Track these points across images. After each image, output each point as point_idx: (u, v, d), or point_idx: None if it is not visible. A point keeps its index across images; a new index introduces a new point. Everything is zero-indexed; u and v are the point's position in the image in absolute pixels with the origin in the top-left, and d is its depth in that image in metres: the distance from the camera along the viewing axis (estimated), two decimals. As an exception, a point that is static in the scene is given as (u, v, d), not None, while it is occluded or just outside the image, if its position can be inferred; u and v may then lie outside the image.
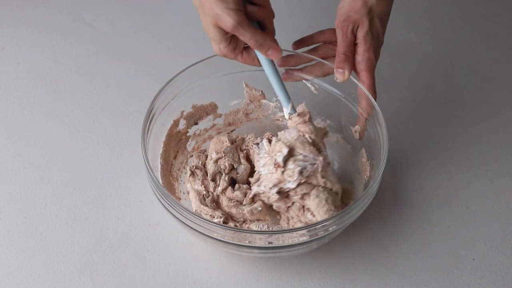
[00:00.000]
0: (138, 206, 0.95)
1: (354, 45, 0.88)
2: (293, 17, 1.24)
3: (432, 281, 0.88)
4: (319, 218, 0.84)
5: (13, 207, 0.95)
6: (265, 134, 0.91)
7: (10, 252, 0.90)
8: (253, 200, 0.88)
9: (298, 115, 0.88)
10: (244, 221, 0.89)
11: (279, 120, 1.00)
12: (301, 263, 0.89)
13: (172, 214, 0.83)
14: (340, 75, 0.88)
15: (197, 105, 0.97)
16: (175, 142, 0.96)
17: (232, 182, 0.92)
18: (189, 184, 0.93)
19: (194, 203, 0.91)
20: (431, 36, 1.22)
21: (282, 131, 0.89)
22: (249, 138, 0.95)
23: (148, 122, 0.88)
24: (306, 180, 0.84)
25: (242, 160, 0.92)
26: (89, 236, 0.92)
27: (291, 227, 0.87)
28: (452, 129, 1.06)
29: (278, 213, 0.89)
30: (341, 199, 0.92)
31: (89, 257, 0.89)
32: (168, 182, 0.93)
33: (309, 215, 0.85)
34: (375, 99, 0.89)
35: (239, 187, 0.90)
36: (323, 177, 0.84)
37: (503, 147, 1.03)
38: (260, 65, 0.86)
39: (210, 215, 0.88)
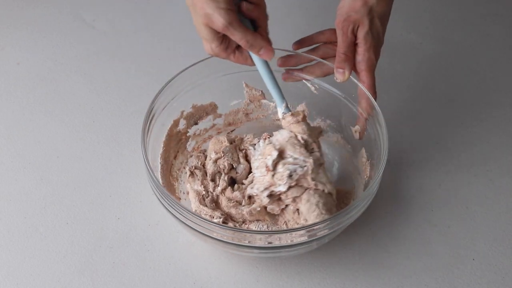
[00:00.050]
0: (138, 206, 0.95)
1: (354, 45, 0.88)
2: (291, 17, 1.24)
3: (432, 281, 0.88)
4: (311, 222, 0.84)
5: (13, 207, 0.95)
6: (263, 134, 0.91)
7: (10, 252, 0.90)
8: (251, 200, 0.88)
9: (292, 114, 0.87)
10: (243, 222, 0.89)
11: (279, 120, 1.00)
12: (301, 263, 0.89)
13: (172, 214, 0.83)
14: (340, 75, 0.88)
15: (197, 105, 0.97)
16: (175, 142, 0.96)
17: (232, 182, 0.92)
18: (189, 184, 0.93)
19: (193, 204, 0.91)
20: (431, 36, 1.22)
21: (276, 132, 0.88)
22: (248, 138, 0.95)
23: (148, 122, 0.88)
24: (297, 183, 0.84)
25: (242, 160, 0.92)
26: (89, 236, 0.92)
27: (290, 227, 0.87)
28: (452, 129, 1.06)
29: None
30: (341, 199, 0.92)
31: (89, 257, 0.89)
32: (168, 182, 0.93)
33: (302, 219, 0.85)
34: (375, 99, 0.89)
35: (239, 187, 0.90)
36: (313, 179, 0.84)
37: (503, 147, 1.03)
38: (253, 65, 0.86)
39: (210, 215, 0.88)
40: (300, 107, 0.99)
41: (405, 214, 0.95)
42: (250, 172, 0.92)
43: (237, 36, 0.79)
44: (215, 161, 0.92)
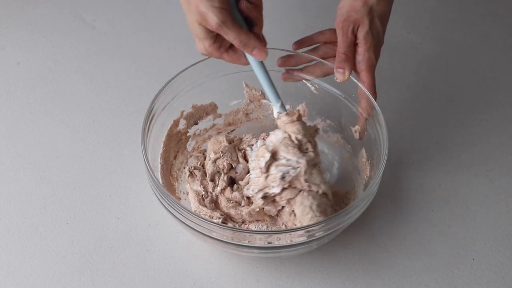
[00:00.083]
0: (138, 206, 0.95)
1: (354, 45, 0.88)
2: (291, 17, 1.24)
3: (432, 281, 0.88)
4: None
5: (13, 207, 0.95)
6: (261, 134, 0.91)
7: (10, 252, 0.90)
8: (250, 201, 0.88)
9: (287, 114, 0.86)
10: (243, 222, 0.89)
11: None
12: (301, 263, 0.89)
13: (172, 214, 0.83)
14: (340, 75, 0.88)
15: (197, 105, 0.97)
16: (175, 142, 0.96)
17: (231, 182, 0.92)
18: (188, 185, 0.93)
19: (193, 204, 0.91)
20: (431, 36, 1.22)
21: (271, 132, 0.88)
22: (247, 138, 0.95)
23: (148, 122, 0.88)
24: (290, 184, 0.83)
25: (241, 160, 0.92)
26: (89, 236, 0.92)
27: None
28: (452, 129, 1.06)
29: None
30: (341, 199, 0.92)
31: (89, 257, 0.89)
32: (168, 182, 0.93)
33: (297, 222, 0.85)
34: (375, 99, 0.89)
35: (238, 187, 0.90)
36: (306, 181, 0.83)
37: (503, 147, 1.03)
38: (247, 64, 0.85)
39: (209, 216, 0.88)
40: (300, 107, 0.99)
41: (405, 214, 0.95)
42: (249, 172, 0.92)
43: (230, 36, 0.79)
44: (214, 161, 0.92)
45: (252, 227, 0.88)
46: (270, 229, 0.87)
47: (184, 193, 0.94)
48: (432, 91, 1.12)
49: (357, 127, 0.93)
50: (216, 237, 0.81)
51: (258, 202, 0.85)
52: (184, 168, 0.96)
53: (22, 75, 1.14)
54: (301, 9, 1.26)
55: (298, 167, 0.83)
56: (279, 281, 0.87)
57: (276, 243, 0.80)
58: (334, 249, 0.90)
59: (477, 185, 0.98)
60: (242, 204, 0.89)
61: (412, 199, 0.96)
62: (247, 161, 0.93)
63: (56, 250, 0.90)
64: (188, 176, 0.93)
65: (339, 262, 0.89)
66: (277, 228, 0.87)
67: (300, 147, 0.85)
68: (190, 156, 0.98)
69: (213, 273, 0.88)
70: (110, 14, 1.25)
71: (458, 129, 1.05)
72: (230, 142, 0.94)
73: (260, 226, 0.88)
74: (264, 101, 1.00)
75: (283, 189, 0.84)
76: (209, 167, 0.92)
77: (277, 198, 0.85)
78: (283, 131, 0.86)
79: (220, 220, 0.87)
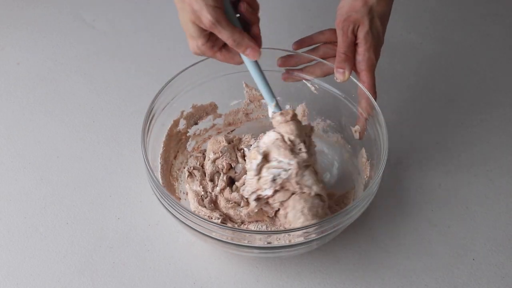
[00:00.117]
0: (138, 206, 0.95)
1: (354, 45, 0.88)
2: (292, 17, 1.24)
3: (432, 281, 0.88)
4: None
5: (13, 207, 0.95)
6: (260, 135, 0.91)
7: (10, 252, 0.90)
8: (248, 202, 0.88)
9: (281, 114, 0.85)
10: (242, 222, 0.89)
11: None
12: (301, 263, 0.89)
13: (172, 214, 0.83)
14: (340, 75, 0.88)
15: (197, 105, 0.97)
16: (175, 142, 0.96)
17: (231, 182, 0.92)
18: (188, 185, 0.93)
19: (192, 204, 0.91)
20: (431, 36, 1.22)
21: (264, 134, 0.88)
22: (246, 138, 0.95)
23: (148, 122, 0.88)
24: (282, 186, 0.83)
25: (240, 159, 0.92)
26: (89, 236, 0.92)
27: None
28: (452, 129, 1.06)
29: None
30: (341, 199, 0.92)
31: (89, 257, 0.89)
32: (168, 182, 0.93)
33: (291, 226, 0.84)
34: (375, 99, 0.89)
35: (237, 187, 0.90)
36: (297, 183, 0.83)
37: (503, 147, 1.03)
38: (241, 63, 0.84)
39: (208, 216, 0.88)
40: (300, 107, 0.99)
41: (405, 214, 0.95)
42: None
43: (224, 34, 0.79)
44: (214, 161, 0.92)
45: (252, 227, 0.88)
46: (269, 229, 0.87)
47: (184, 193, 0.94)
48: (432, 91, 1.12)
49: (357, 127, 0.93)
50: (216, 237, 0.80)
51: (251, 204, 0.85)
52: (184, 168, 0.96)
53: (22, 75, 1.14)
54: (301, 9, 1.26)
55: (289, 169, 0.82)
56: (279, 281, 0.87)
57: (275, 243, 0.80)
58: (334, 249, 0.90)
59: (477, 185, 0.98)
60: (241, 204, 0.89)
61: (412, 199, 0.96)
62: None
63: (56, 250, 0.90)
64: (187, 176, 0.93)
65: (339, 262, 0.89)
66: (276, 228, 0.87)
67: (293, 148, 0.84)
68: (190, 156, 0.98)
69: (213, 273, 0.88)
70: (110, 14, 1.25)
71: (458, 129, 1.05)
72: (229, 142, 0.94)
73: (260, 227, 0.88)
74: (264, 101, 1.00)
75: (276, 191, 0.83)
76: (208, 167, 0.92)
77: (270, 201, 0.84)
78: (276, 132, 0.85)
79: (219, 220, 0.87)
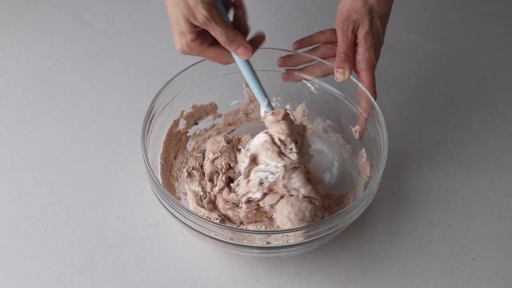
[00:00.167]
0: (138, 206, 0.95)
1: (354, 45, 0.88)
2: (291, 17, 1.24)
3: (432, 281, 0.88)
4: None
5: (13, 207, 0.95)
6: (249, 136, 0.91)
7: (10, 252, 0.90)
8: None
9: (272, 113, 0.85)
10: (241, 223, 0.89)
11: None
12: (301, 263, 0.89)
13: (172, 214, 0.83)
14: (340, 75, 0.88)
15: (197, 105, 0.97)
16: (175, 142, 0.96)
17: (230, 182, 0.92)
18: (187, 185, 0.93)
19: (191, 205, 0.91)
20: (431, 36, 1.22)
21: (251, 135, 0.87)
22: (245, 138, 0.95)
23: (148, 122, 0.88)
24: (271, 189, 0.82)
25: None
26: (89, 236, 0.92)
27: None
28: (452, 129, 1.06)
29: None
30: (341, 199, 0.92)
31: (89, 257, 0.89)
32: (168, 182, 0.93)
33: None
34: (375, 99, 0.89)
35: (235, 188, 0.90)
36: (284, 186, 0.82)
37: (503, 147, 1.03)
38: (230, 62, 0.84)
39: (207, 217, 0.88)
40: (300, 107, 0.99)
41: (405, 214, 0.95)
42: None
43: (217, 31, 0.78)
44: (213, 161, 0.92)
45: (251, 227, 0.88)
46: (268, 229, 0.87)
47: (184, 193, 0.94)
48: (432, 91, 1.12)
49: (357, 127, 0.93)
50: (215, 237, 0.80)
51: (242, 206, 0.85)
52: (184, 168, 0.96)
53: (22, 75, 1.14)
54: (301, 9, 1.26)
55: (276, 172, 0.82)
56: (279, 281, 0.87)
57: (275, 243, 0.80)
58: (334, 249, 0.90)
59: (477, 185, 0.98)
60: (240, 206, 0.88)
61: (412, 199, 0.96)
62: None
63: (56, 250, 0.90)
64: (186, 176, 0.93)
65: (339, 262, 0.89)
66: (275, 228, 0.87)
67: (281, 150, 0.82)
68: (190, 156, 0.98)
69: (213, 273, 0.88)
70: (110, 14, 1.25)
71: (458, 129, 1.05)
72: (228, 142, 0.94)
73: (259, 227, 0.88)
74: (264, 101, 1.00)
75: (265, 194, 0.83)
76: (207, 167, 0.92)
77: (261, 204, 0.84)
78: (266, 134, 0.84)
79: (218, 221, 0.87)
